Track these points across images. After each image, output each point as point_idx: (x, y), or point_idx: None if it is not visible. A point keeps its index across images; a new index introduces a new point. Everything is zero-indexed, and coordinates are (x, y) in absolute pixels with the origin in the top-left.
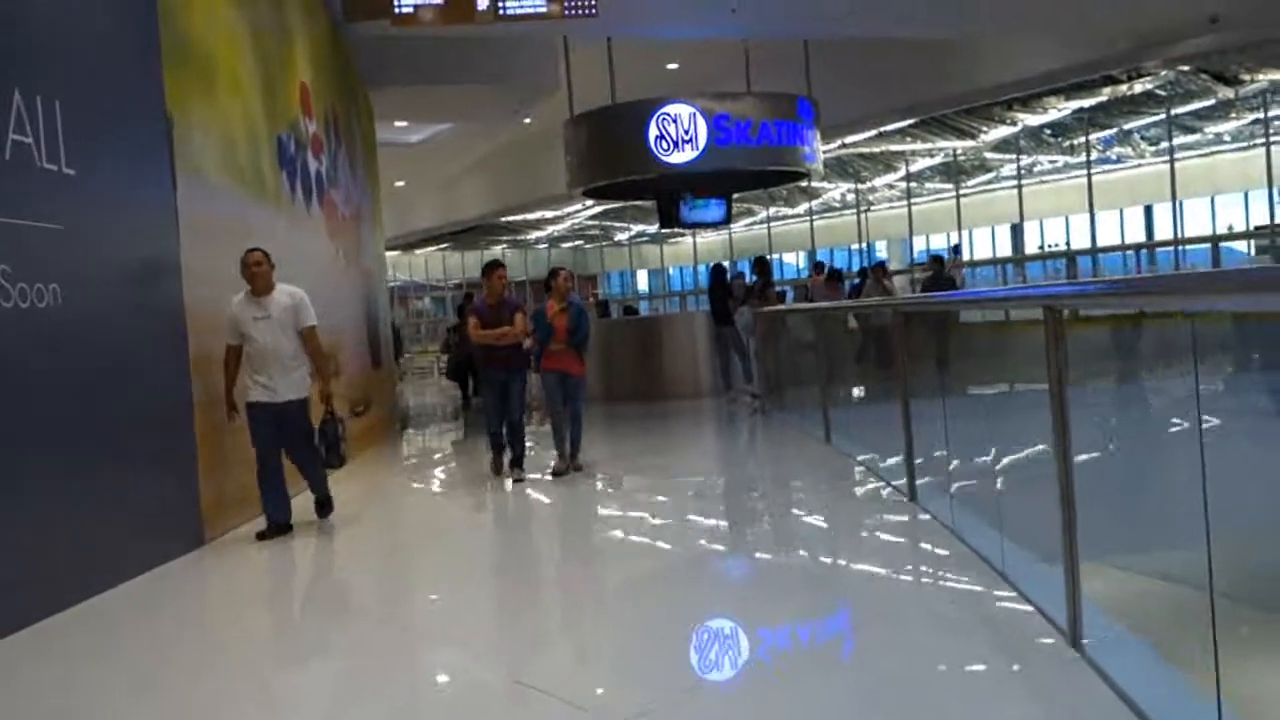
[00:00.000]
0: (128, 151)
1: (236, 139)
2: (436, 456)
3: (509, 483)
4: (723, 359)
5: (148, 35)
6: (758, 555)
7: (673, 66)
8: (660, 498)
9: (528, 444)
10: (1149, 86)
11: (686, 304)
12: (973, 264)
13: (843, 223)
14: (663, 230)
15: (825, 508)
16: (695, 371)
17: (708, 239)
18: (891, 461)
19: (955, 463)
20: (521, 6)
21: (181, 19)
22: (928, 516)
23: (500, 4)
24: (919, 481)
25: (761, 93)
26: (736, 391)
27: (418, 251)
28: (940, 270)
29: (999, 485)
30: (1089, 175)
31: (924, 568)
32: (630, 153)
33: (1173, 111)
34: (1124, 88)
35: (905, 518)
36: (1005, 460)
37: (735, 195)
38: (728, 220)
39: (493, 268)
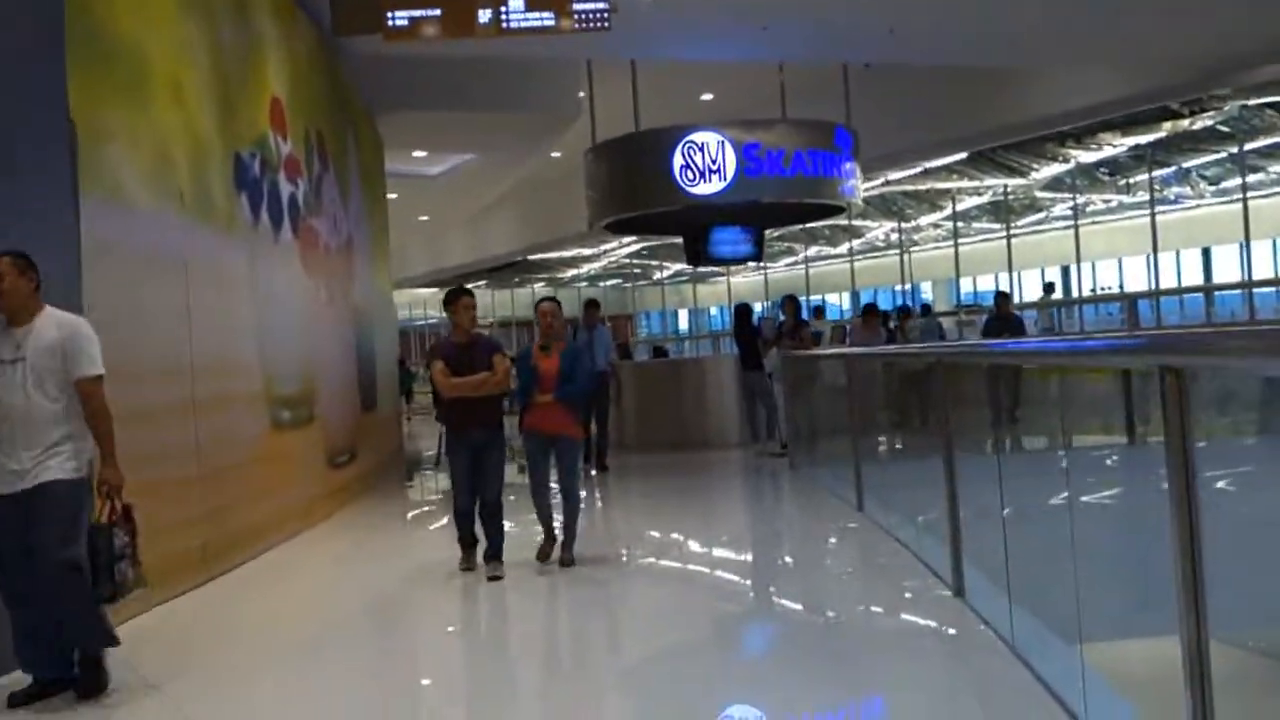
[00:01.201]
0: (7, 164)
1: (175, 155)
2: (415, 522)
3: (480, 581)
4: (749, 407)
5: (49, 24)
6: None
7: (707, 97)
8: (659, 605)
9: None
10: (1210, 122)
11: (720, 345)
12: (1022, 306)
13: (886, 263)
14: (697, 269)
15: (850, 611)
16: (722, 420)
17: (746, 278)
18: (933, 542)
19: (1012, 547)
20: (526, 19)
21: (99, 12)
22: (979, 624)
23: (504, 17)
24: (968, 572)
25: (795, 120)
26: (764, 444)
27: None
28: (1005, 308)
29: (1072, 587)
30: (1153, 215)
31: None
32: (654, 184)
33: (1243, 148)
34: (1185, 123)
35: (951, 629)
36: (1079, 553)
37: (772, 231)
38: (759, 256)
39: (457, 296)
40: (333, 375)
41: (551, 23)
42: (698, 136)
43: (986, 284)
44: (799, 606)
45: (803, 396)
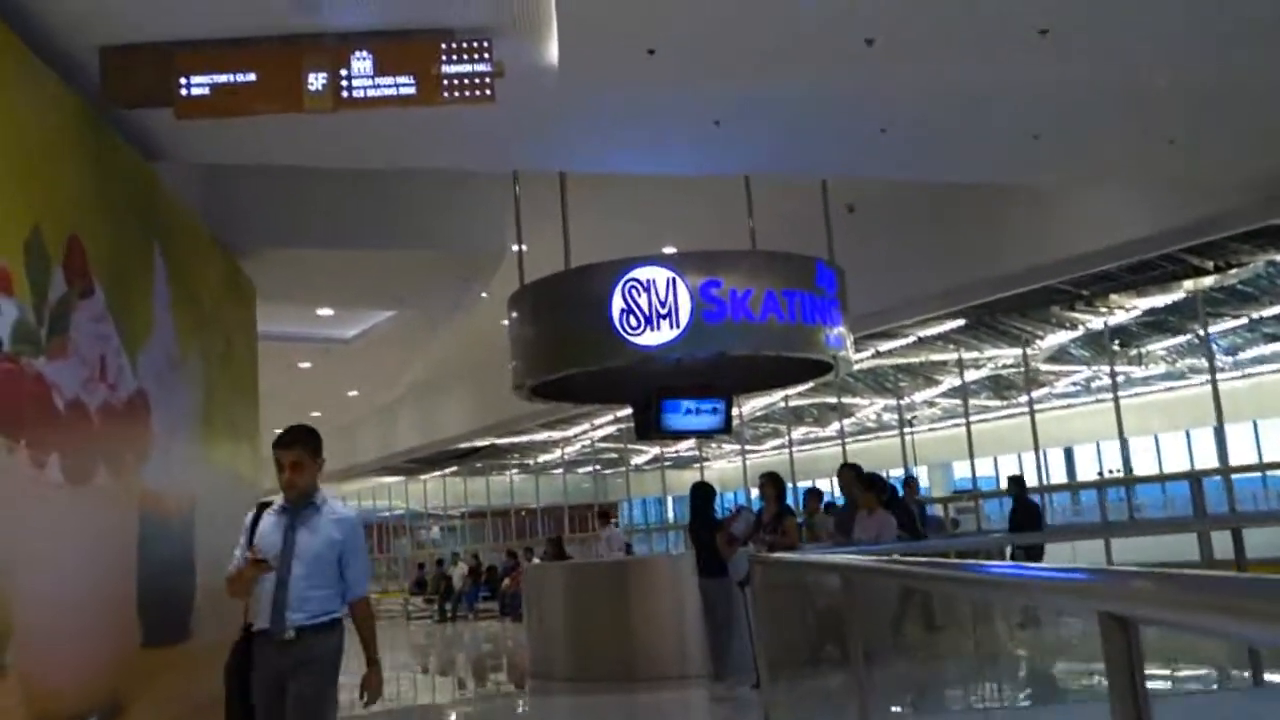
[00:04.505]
0: None
1: None
2: None
3: None
4: (712, 626)
5: None
6: None
7: (669, 250)
8: None
9: None
10: (1230, 282)
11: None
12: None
13: (882, 445)
14: (666, 449)
15: None
16: (682, 641)
17: (724, 465)
18: None
19: None
20: (377, 86)
21: None
22: None
23: (344, 83)
24: None
25: (765, 253)
26: (729, 680)
27: (422, 477)
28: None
29: None
30: (1214, 383)
31: None
32: (587, 334)
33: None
34: (1208, 281)
35: None
36: None
37: (752, 407)
38: (727, 428)
39: None
40: (63, 595)
41: (412, 90)
42: (642, 273)
43: (985, 468)
44: None
45: (782, 614)
